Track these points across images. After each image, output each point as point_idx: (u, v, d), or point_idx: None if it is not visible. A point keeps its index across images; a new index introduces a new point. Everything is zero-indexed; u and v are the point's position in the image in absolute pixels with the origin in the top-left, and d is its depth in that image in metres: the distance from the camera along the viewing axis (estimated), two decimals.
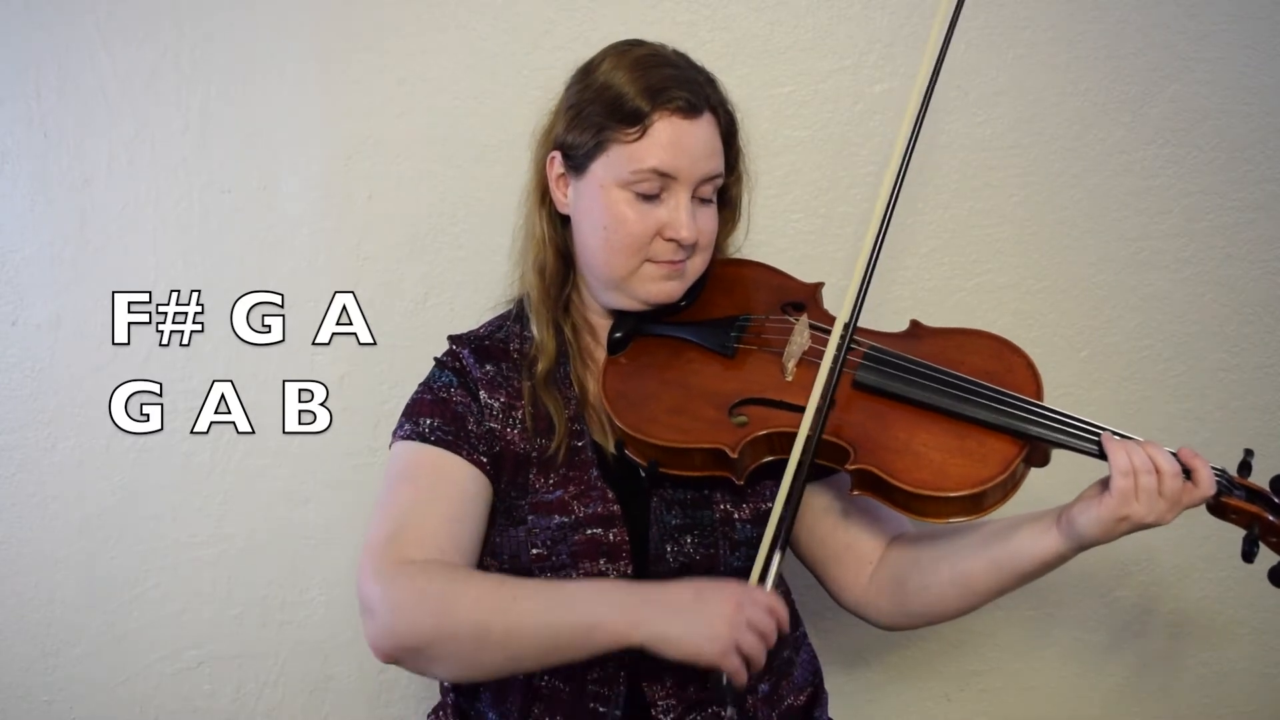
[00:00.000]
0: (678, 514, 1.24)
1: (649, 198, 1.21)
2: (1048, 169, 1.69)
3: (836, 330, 1.15)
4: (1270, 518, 1.15)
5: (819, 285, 1.35)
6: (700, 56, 1.37)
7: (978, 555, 1.21)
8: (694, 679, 1.24)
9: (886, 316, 1.69)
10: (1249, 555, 1.14)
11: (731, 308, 1.31)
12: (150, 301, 1.62)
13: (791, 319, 1.28)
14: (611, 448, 1.25)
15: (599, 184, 1.22)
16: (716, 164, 1.24)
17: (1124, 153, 1.70)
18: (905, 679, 1.83)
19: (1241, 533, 1.16)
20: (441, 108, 1.61)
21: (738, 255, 1.40)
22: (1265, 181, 1.72)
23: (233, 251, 1.62)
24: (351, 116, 1.61)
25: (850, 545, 1.32)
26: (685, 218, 1.21)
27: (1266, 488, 1.17)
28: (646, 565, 1.22)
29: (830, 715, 1.40)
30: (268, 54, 1.59)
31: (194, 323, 1.63)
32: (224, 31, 1.58)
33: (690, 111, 1.20)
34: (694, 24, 1.62)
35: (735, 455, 1.16)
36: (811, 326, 1.25)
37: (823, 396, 1.12)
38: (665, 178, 1.20)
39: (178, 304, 1.63)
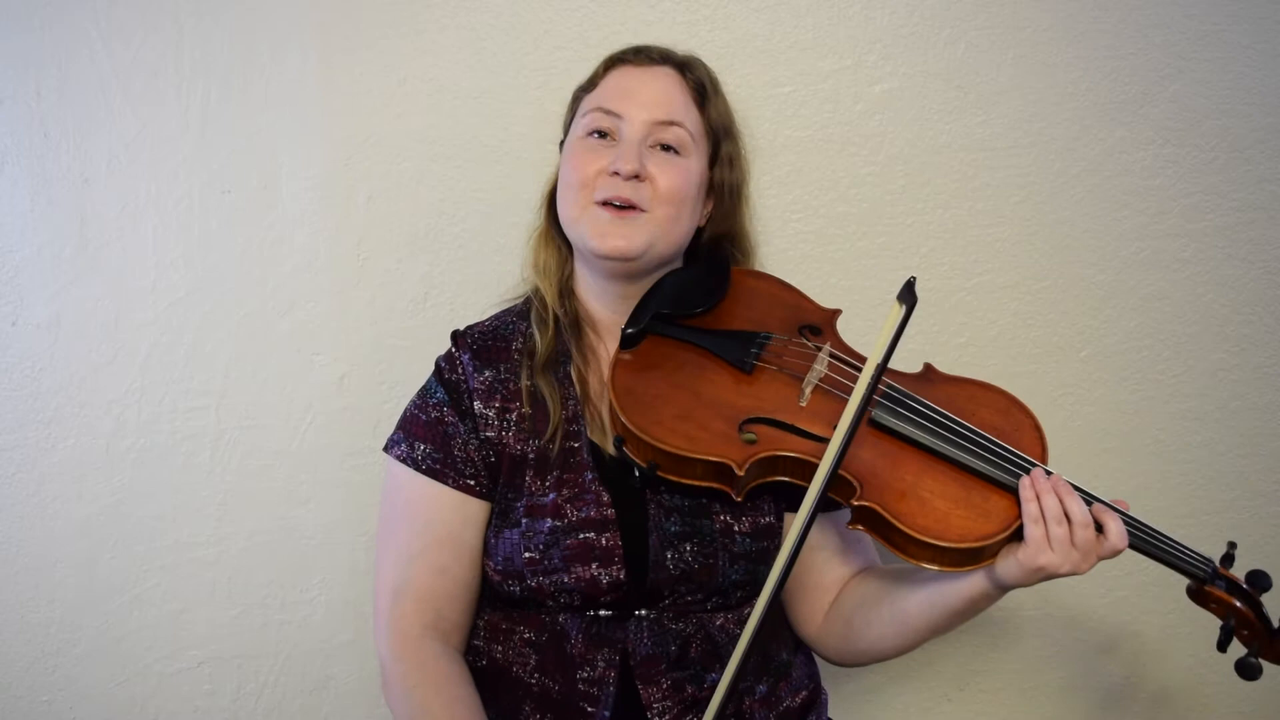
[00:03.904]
0: (676, 521, 1.24)
1: (602, 136, 1.28)
2: (1048, 169, 1.69)
3: (864, 379, 1.12)
4: (1246, 611, 1.18)
5: (837, 312, 1.35)
6: (700, 56, 1.37)
7: (914, 593, 1.23)
8: (691, 681, 1.24)
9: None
10: (1223, 645, 1.19)
11: (748, 322, 1.31)
12: (150, 302, 1.62)
13: (812, 344, 1.28)
14: (611, 448, 1.25)
15: (569, 143, 1.32)
16: (670, 111, 1.28)
17: (1124, 153, 1.70)
18: (905, 679, 1.83)
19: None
20: (441, 108, 1.61)
21: (758, 267, 1.42)
22: (1265, 181, 1.72)
23: (233, 251, 1.62)
24: (351, 116, 1.61)
25: (818, 583, 1.34)
26: (625, 150, 1.25)
27: (1245, 582, 1.20)
28: (645, 571, 1.22)
29: (830, 716, 1.40)
30: (268, 54, 1.59)
31: (194, 322, 1.63)
32: (224, 31, 1.58)
33: (642, 61, 1.30)
34: (694, 24, 1.62)
35: (742, 473, 1.16)
36: (831, 356, 1.26)
37: (839, 454, 1.10)
38: (613, 116, 1.27)
39: (177, 304, 1.62)
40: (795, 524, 1.10)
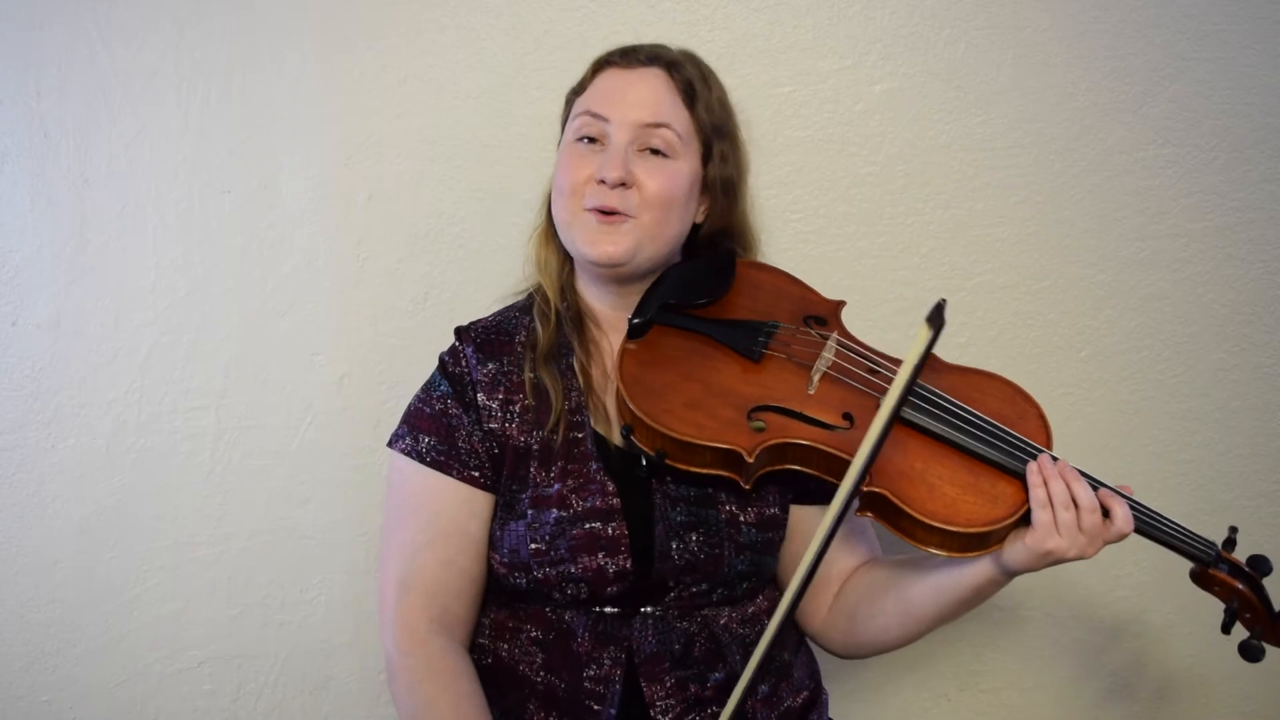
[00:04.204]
0: (682, 510, 1.24)
1: (592, 141, 1.28)
2: (1048, 169, 1.69)
3: (888, 402, 1.10)
4: (1249, 594, 1.20)
5: (841, 303, 1.36)
6: (697, 53, 1.37)
7: (920, 581, 1.24)
8: (694, 680, 1.25)
9: (887, 316, 1.70)
10: (1227, 627, 1.22)
11: (754, 312, 1.31)
12: (150, 302, 1.62)
13: (818, 333, 1.29)
14: (616, 439, 1.26)
15: (561, 146, 1.32)
16: (657, 113, 1.27)
17: (1124, 153, 1.70)
18: (905, 679, 1.83)
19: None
20: (441, 108, 1.61)
21: (760, 259, 1.43)
22: (1265, 181, 1.72)
23: (233, 251, 1.62)
24: (351, 116, 1.61)
25: (823, 576, 1.34)
26: (611, 157, 1.25)
27: (1246, 565, 1.21)
28: (651, 561, 1.23)
29: (830, 715, 1.40)
30: (268, 54, 1.59)
31: (194, 322, 1.63)
32: (224, 31, 1.58)
33: (630, 63, 1.29)
34: (694, 24, 1.62)
35: (751, 460, 1.17)
36: (839, 344, 1.26)
37: (858, 477, 1.09)
38: (600, 120, 1.27)
39: (177, 304, 1.62)
40: (819, 532, 1.10)
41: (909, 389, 1.09)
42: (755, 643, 1.29)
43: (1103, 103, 1.68)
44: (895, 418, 1.10)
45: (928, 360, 1.09)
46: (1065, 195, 1.70)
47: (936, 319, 1.08)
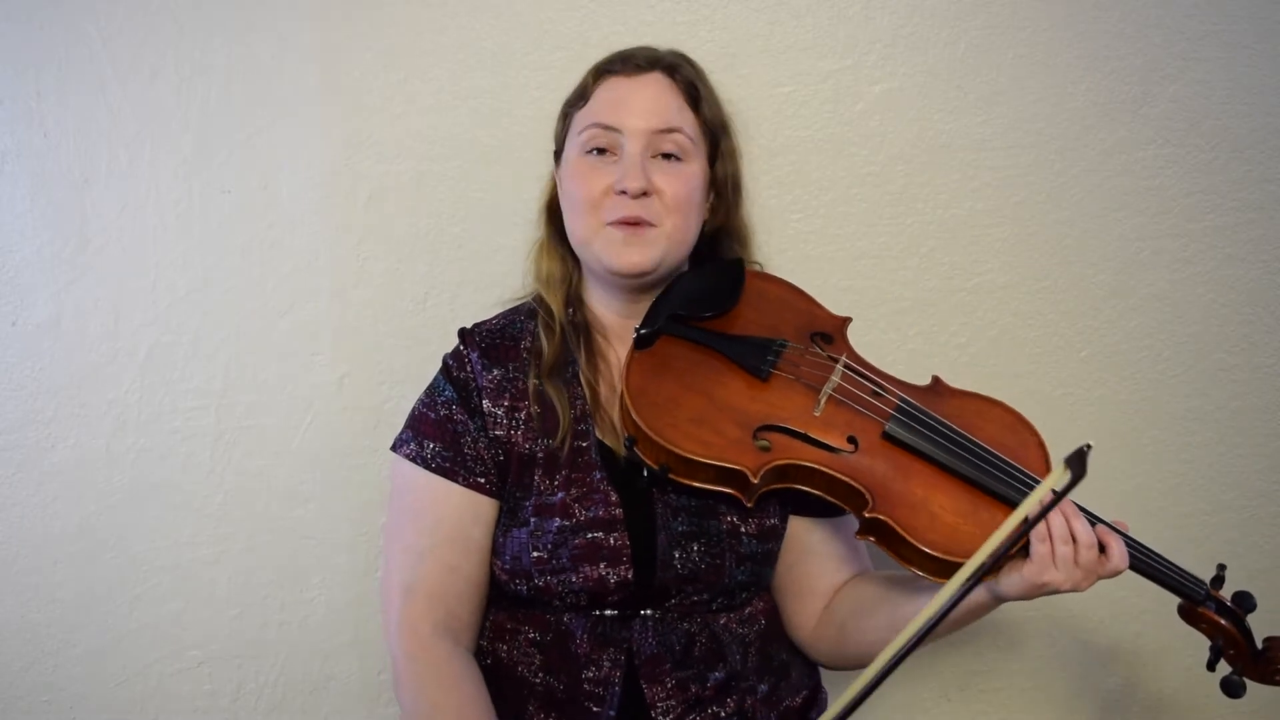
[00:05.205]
0: (684, 520, 1.24)
1: (602, 153, 1.27)
2: (1048, 169, 1.69)
3: (1009, 523, 1.09)
4: (1233, 630, 1.22)
5: (847, 319, 1.36)
6: (700, 56, 1.38)
7: (911, 601, 1.23)
8: (695, 680, 1.25)
9: (887, 316, 1.70)
10: (1212, 665, 1.24)
11: (761, 327, 1.31)
12: (150, 301, 1.62)
13: (826, 354, 1.29)
14: (622, 449, 1.25)
15: (569, 160, 1.30)
16: (667, 119, 1.27)
17: (1124, 153, 1.69)
18: (905, 679, 1.83)
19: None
20: (441, 108, 1.61)
21: (765, 267, 1.43)
22: (1265, 181, 1.72)
23: (233, 251, 1.62)
24: (351, 116, 1.61)
25: (814, 587, 1.34)
26: (629, 168, 1.24)
27: (1231, 602, 1.24)
28: (653, 571, 1.23)
29: None
30: (268, 54, 1.59)
31: (194, 322, 1.63)
32: (224, 32, 1.58)
33: (631, 70, 1.28)
34: (694, 24, 1.62)
35: (757, 480, 1.16)
36: (846, 367, 1.26)
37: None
38: (611, 131, 1.26)
39: (177, 304, 1.62)
40: (927, 610, 1.08)
41: (1032, 526, 1.08)
42: (754, 642, 1.30)
43: (1103, 103, 1.68)
44: (1015, 543, 1.09)
45: (1058, 502, 1.09)
46: (1065, 195, 1.70)
47: (1077, 466, 1.05)
